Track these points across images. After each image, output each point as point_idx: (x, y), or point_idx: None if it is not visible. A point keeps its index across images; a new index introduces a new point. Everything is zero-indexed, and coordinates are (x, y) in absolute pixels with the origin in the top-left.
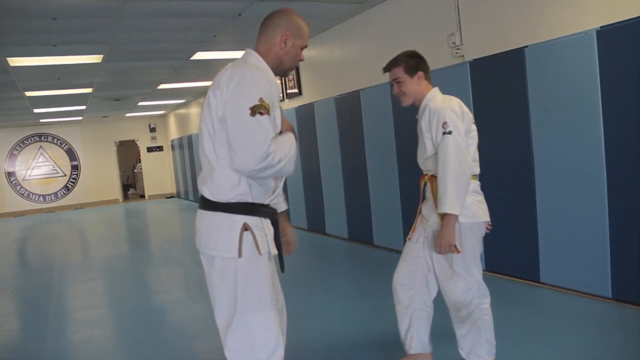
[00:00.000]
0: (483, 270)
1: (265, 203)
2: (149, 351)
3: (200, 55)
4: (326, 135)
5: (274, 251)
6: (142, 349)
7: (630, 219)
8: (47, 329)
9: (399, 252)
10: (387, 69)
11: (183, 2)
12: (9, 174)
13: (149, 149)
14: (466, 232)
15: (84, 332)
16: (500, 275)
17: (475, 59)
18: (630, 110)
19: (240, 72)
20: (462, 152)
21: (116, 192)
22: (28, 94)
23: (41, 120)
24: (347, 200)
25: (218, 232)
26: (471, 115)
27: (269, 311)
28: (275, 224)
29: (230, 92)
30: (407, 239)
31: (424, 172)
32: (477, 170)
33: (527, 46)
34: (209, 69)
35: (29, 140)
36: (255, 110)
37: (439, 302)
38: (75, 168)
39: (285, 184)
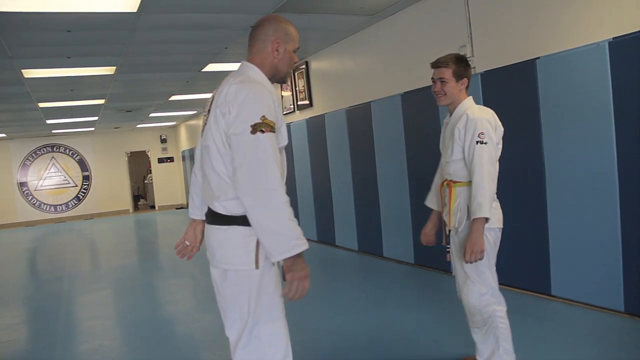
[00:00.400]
0: None
1: None
2: None
3: (212, 67)
4: (337, 147)
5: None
6: (150, 359)
7: None
8: (56, 339)
9: (409, 265)
10: (435, 65)
11: (196, 15)
12: (21, 184)
13: (160, 160)
14: (486, 238)
15: (93, 342)
16: (511, 288)
17: (487, 70)
18: None
19: (245, 88)
20: (495, 162)
21: (127, 203)
22: (41, 105)
23: (53, 131)
24: (357, 212)
25: (235, 246)
26: (502, 129)
27: (280, 321)
28: None
29: (235, 110)
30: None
31: (445, 178)
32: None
33: (538, 58)
34: (221, 80)
35: (41, 150)
36: (256, 128)
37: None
38: (86, 178)
39: (295, 196)
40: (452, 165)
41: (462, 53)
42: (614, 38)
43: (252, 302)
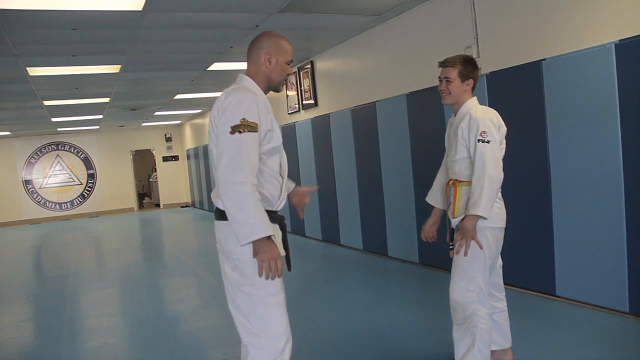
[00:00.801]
0: None
1: (274, 209)
2: (162, 359)
3: (217, 66)
4: (342, 147)
5: (282, 252)
6: (156, 357)
7: None
8: (61, 336)
9: (414, 264)
10: (443, 65)
11: (201, 14)
12: (26, 182)
13: (165, 159)
14: (479, 236)
15: (98, 339)
16: (516, 288)
17: (493, 71)
18: None
19: (231, 96)
20: (498, 161)
21: (131, 201)
22: (46, 103)
23: (58, 129)
24: (362, 211)
25: (234, 238)
26: (505, 129)
27: (280, 303)
28: (283, 229)
29: (220, 114)
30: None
31: (450, 177)
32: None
33: (544, 59)
34: (226, 79)
35: (46, 148)
36: (235, 129)
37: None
38: (91, 176)
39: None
40: (457, 165)
41: (468, 54)
42: (620, 40)
43: (254, 286)
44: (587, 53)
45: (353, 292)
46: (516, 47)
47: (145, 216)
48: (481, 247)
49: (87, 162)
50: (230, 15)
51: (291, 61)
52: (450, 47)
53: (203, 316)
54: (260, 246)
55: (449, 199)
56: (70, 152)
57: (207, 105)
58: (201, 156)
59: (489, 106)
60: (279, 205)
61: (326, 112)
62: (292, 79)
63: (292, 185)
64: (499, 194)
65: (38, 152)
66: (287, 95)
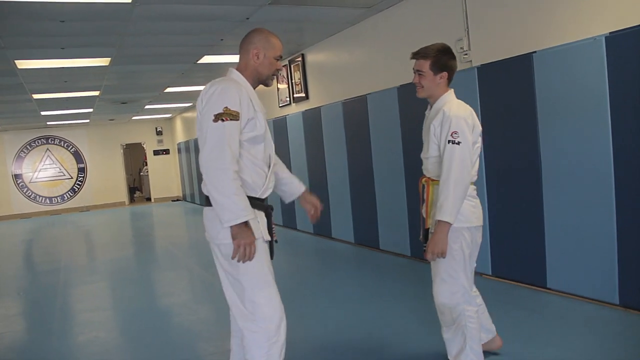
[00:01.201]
0: (489, 275)
1: (258, 197)
2: (153, 353)
3: (207, 59)
4: (333, 140)
5: (267, 237)
6: (147, 351)
7: (638, 224)
8: (52, 330)
9: (406, 257)
10: (415, 57)
11: (191, 6)
12: (16, 176)
13: (156, 152)
14: (456, 237)
15: (89, 333)
16: (507, 281)
17: (483, 64)
18: (639, 116)
19: (214, 85)
20: (467, 164)
21: (122, 195)
22: (35, 96)
23: (48, 123)
24: (354, 204)
25: (218, 223)
26: (480, 129)
27: (271, 287)
28: (268, 216)
29: (204, 103)
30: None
31: (424, 174)
32: (475, 178)
33: (535, 52)
34: (216, 72)
35: (36, 142)
36: (218, 117)
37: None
38: (81, 171)
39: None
40: (429, 162)
41: (459, 46)
42: (610, 33)
43: (242, 271)
44: (577, 45)
45: (344, 285)
46: (507, 40)
47: (137, 210)
48: (444, 256)
49: (78, 156)
50: (221, 8)
51: (280, 57)
52: (441, 39)
53: (194, 310)
54: (238, 231)
55: (422, 195)
56: (61, 146)
57: (197, 98)
58: (192, 150)
59: (480, 99)
60: (264, 193)
61: (317, 105)
62: (283, 72)
63: (302, 189)
64: (474, 192)
65: (28, 146)
66: (278, 88)
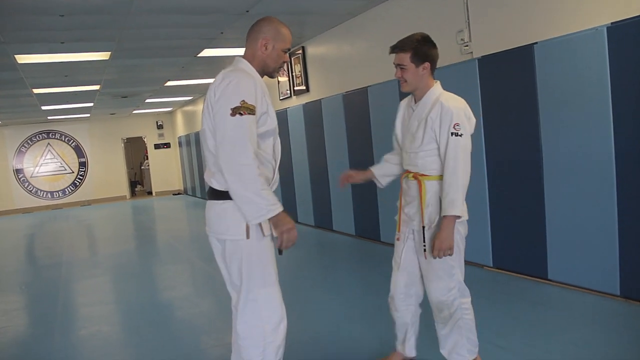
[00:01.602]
0: (491, 267)
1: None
2: (155, 346)
3: (207, 52)
4: (333, 132)
5: (276, 234)
6: (149, 344)
7: (639, 215)
8: (54, 325)
9: None
10: (394, 50)
11: None
12: (17, 171)
13: (156, 146)
14: (454, 233)
15: (91, 327)
16: (508, 272)
17: (484, 55)
18: None
19: (229, 78)
20: (469, 155)
21: (123, 189)
22: (36, 91)
23: (49, 118)
24: (355, 197)
25: (228, 218)
26: (474, 120)
27: (273, 286)
28: None
29: (219, 95)
30: (396, 239)
31: (408, 169)
32: None
33: (536, 43)
34: (217, 65)
35: (37, 137)
36: (236, 111)
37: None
38: (82, 165)
39: (292, 181)
40: (420, 157)
41: (460, 38)
42: (612, 23)
43: (246, 268)
44: (579, 36)
45: (346, 277)
46: (508, 31)
47: (138, 204)
48: (452, 253)
49: (79, 151)
50: (220, 1)
51: (289, 49)
52: (441, 30)
53: (196, 303)
54: (278, 220)
55: (406, 192)
56: (61, 140)
57: (198, 92)
58: (193, 143)
59: (481, 90)
60: (272, 187)
61: (318, 98)
62: (284, 64)
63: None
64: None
65: (29, 141)
66: (278, 81)
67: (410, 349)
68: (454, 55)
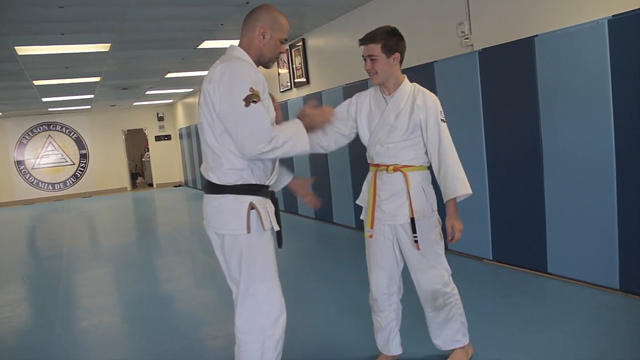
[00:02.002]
0: (490, 260)
1: (266, 184)
2: (156, 337)
3: (207, 44)
4: None
5: (276, 227)
6: (150, 335)
7: (639, 209)
8: (56, 316)
9: None
10: (363, 42)
11: None
12: (18, 163)
13: (157, 138)
14: (435, 222)
15: (93, 318)
16: (507, 265)
17: (485, 48)
18: None
19: (228, 67)
20: None
21: (124, 181)
22: (36, 82)
23: (50, 109)
24: (355, 189)
25: (227, 212)
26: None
27: (273, 280)
28: (275, 203)
29: (223, 87)
30: (367, 236)
31: (383, 162)
32: None
33: (537, 35)
34: (217, 57)
35: (38, 129)
36: (249, 100)
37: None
38: (83, 157)
39: (293, 170)
40: (403, 147)
41: (460, 30)
42: (613, 16)
43: (245, 262)
44: (579, 29)
45: (345, 270)
46: (508, 24)
47: (139, 196)
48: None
49: (79, 142)
50: None
51: (286, 39)
52: (442, 23)
53: (196, 294)
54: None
55: (384, 188)
56: (62, 132)
57: (198, 84)
58: (194, 135)
59: (481, 83)
60: (271, 180)
61: (318, 90)
62: (284, 56)
63: (290, 177)
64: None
65: (29, 133)
66: (278, 73)
67: (396, 347)
68: (455, 47)
